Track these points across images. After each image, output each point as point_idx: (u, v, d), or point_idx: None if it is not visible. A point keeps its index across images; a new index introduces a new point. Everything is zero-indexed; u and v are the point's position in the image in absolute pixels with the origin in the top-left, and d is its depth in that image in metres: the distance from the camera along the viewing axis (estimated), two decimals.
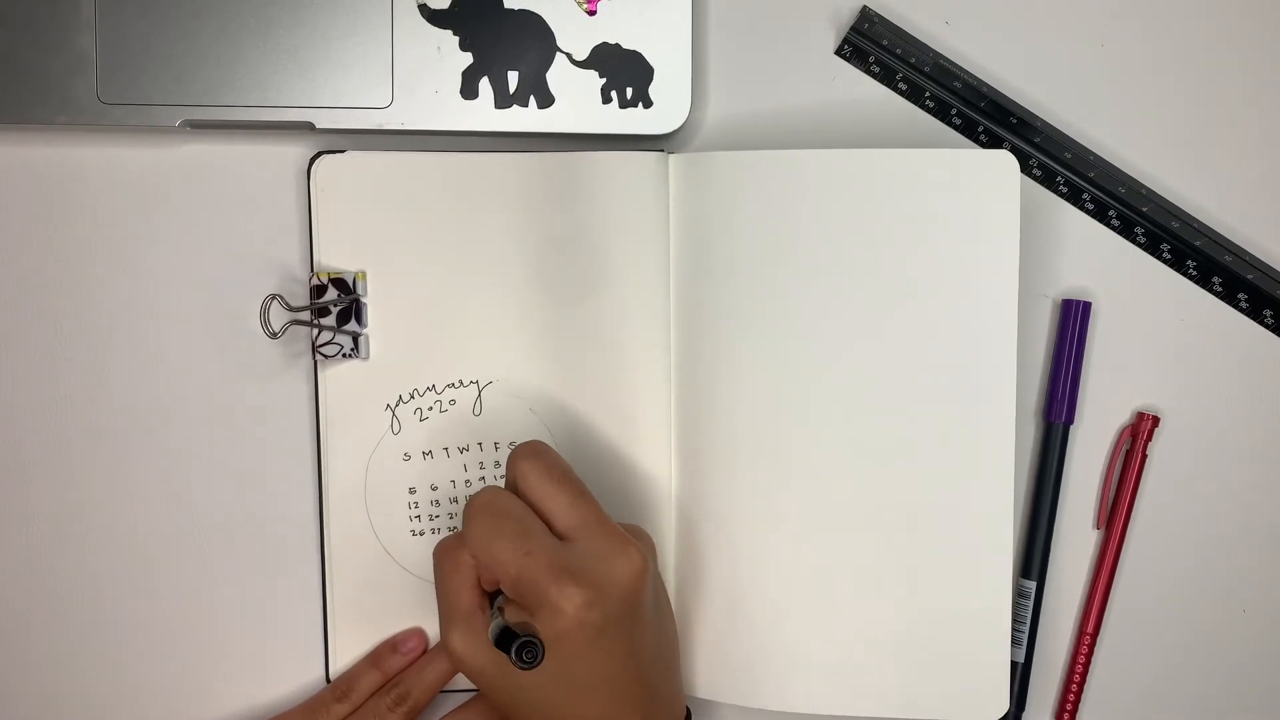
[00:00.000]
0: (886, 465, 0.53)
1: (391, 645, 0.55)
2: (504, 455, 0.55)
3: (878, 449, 0.53)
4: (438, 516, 0.55)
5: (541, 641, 0.44)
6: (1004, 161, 0.53)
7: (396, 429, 0.54)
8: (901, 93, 0.57)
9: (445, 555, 0.49)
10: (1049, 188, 0.57)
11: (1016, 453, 0.56)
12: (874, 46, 0.56)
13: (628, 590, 0.46)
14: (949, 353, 0.53)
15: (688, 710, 0.52)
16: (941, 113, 0.56)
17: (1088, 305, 0.56)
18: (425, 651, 0.55)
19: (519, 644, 0.44)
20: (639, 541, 0.48)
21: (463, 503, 0.55)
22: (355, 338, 0.54)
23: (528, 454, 0.48)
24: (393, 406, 0.54)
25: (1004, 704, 0.53)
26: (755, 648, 0.54)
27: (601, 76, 0.54)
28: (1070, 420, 0.56)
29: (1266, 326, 0.57)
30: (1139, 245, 0.57)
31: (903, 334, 0.53)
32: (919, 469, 0.53)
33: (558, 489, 0.48)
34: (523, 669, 0.44)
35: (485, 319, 0.54)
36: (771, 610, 0.54)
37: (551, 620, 0.45)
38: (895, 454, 0.53)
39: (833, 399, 0.53)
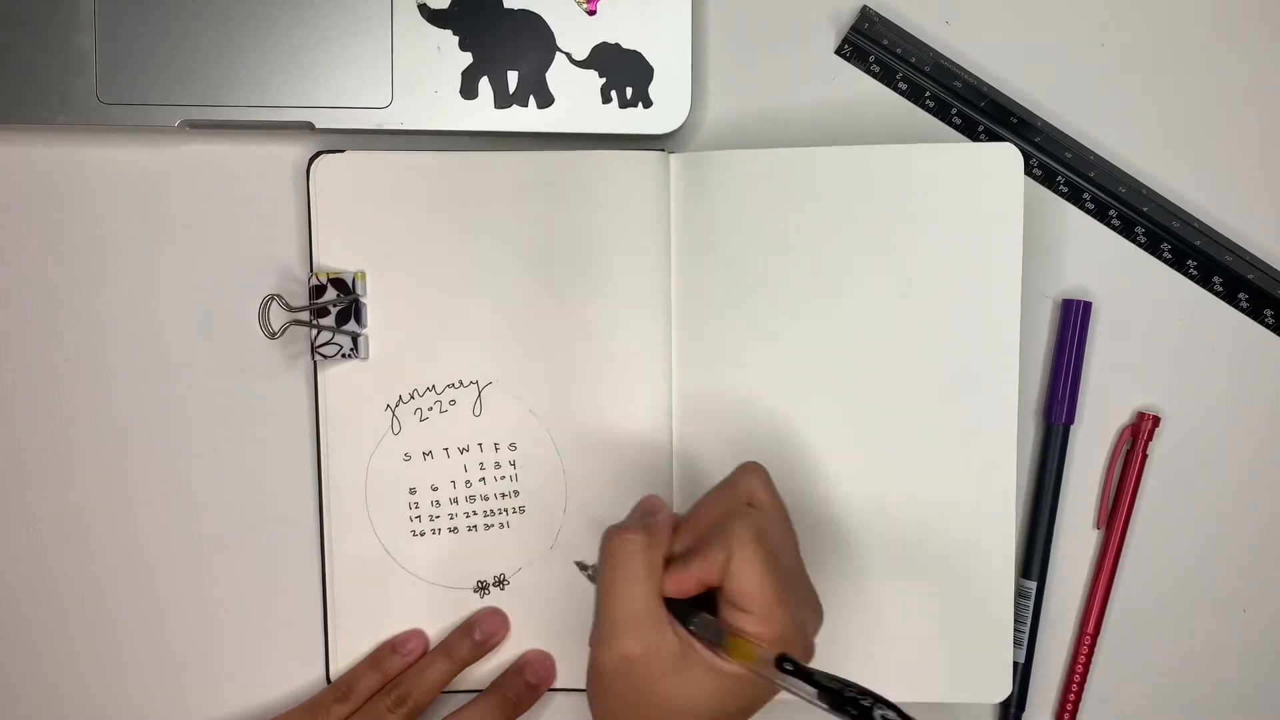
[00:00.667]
0: (890, 459, 0.54)
1: (392, 646, 0.55)
2: (504, 455, 0.54)
3: (881, 443, 0.54)
4: (438, 517, 0.55)
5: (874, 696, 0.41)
6: (1007, 154, 0.53)
7: (397, 429, 0.54)
8: (902, 92, 0.57)
9: (633, 556, 0.46)
10: (1049, 187, 0.57)
11: (1018, 454, 0.56)
12: (874, 46, 0.56)
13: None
14: (952, 347, 0.53)
15: None
16: (942, 112, 0.56)
17: (1088, 305, 0.56)
18: (425, 653, 0.55)
19: (883, 714, 0.40)
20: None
21: (463, 503, 0.55)
22: (354, 338, 0.54)
23: (766, 486, 0.47)
24: (393, 407, 0.54)
25: (1007, 686, 0.54)
26: None
27: (601, 76, 0.54)
28: (1070, 420, 0.56)
29: (1267, 326, 0.57)
30: (1139, 245, 0.57)
31: (906, 330, 0.53)
32: (922, 461, 0.53)
33: (787, 533, 0.47)
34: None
35: (485, 319, 0.54)
36: None
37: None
38: (899, 447, 0.54)
39: (836, 396, 0.54)
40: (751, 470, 0.48)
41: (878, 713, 0.40)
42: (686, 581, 0.45)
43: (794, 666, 0.42)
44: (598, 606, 0.45)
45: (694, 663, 0.44)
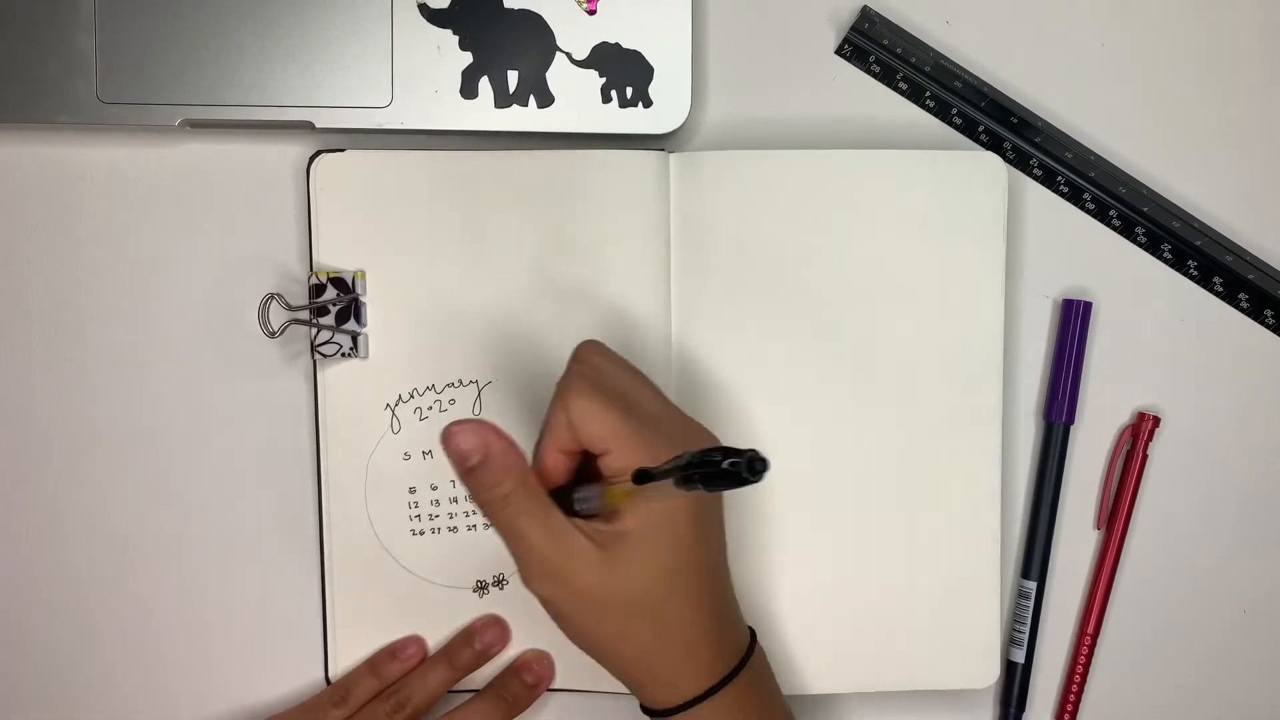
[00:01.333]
0: (882, 456, 0.54)
1: (390, 652, 0.54)
2: None
3: (873, 441, 0.54)
4: (438, 516, 0.55)
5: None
6: (990, 163, 0.54)
7: (396, 428, 0.54)
8: (902, 92, 0.57)
9: (506, 499, 0.44)
10: (1050, 188, 0.57)
11: (1017, 454, 0.57)
12: (874, 46, 0.56)
13: None
14: (941, 346, 0.54)
15: (752, 631, 0.50)
16: (942, 112, 0.56)
17: (1088, 305, 0.56)
18: (424, 659, 0.55)
19: (750, 457, 0.38)
20: None
21: (462, 503, 0.55)
22: (354, 337, 0.54)
23: (598, 349, 0.48)
24: (392, 406, 0.54)
25: (995, 672, 0.55)
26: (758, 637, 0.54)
27: (601, 76, 0.54)
28: (1070, 421, 0.56)
29: (1267, 326, 0.57)
30: (1139, 245, 0.57)
31: (899, 329, 0.54)
32: (912, 457, 0.54)
33: (635, 380, 0.47)
34: (753, 481, 0.38)
35: (485, 318, 0.54)
36: (771, 599, 0.55)
37: (667, 499, 0.44)
38: (890, 445, 0.54)
39: (831, 395, 0.54)
40: (580, 346, 0.47)
41: (726, 463, 0.38)
42: (550, 463, 0.45)
43: (648, 473, 0.41)
44: (512, 552, 0.45)
45: (619, 552, 0.44)
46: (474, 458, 0.44)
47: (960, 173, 0.54)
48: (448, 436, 0.44)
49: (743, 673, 0.47)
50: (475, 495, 0.45)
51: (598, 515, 0.45)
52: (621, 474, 0.43)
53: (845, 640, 0.55)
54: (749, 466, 0.37)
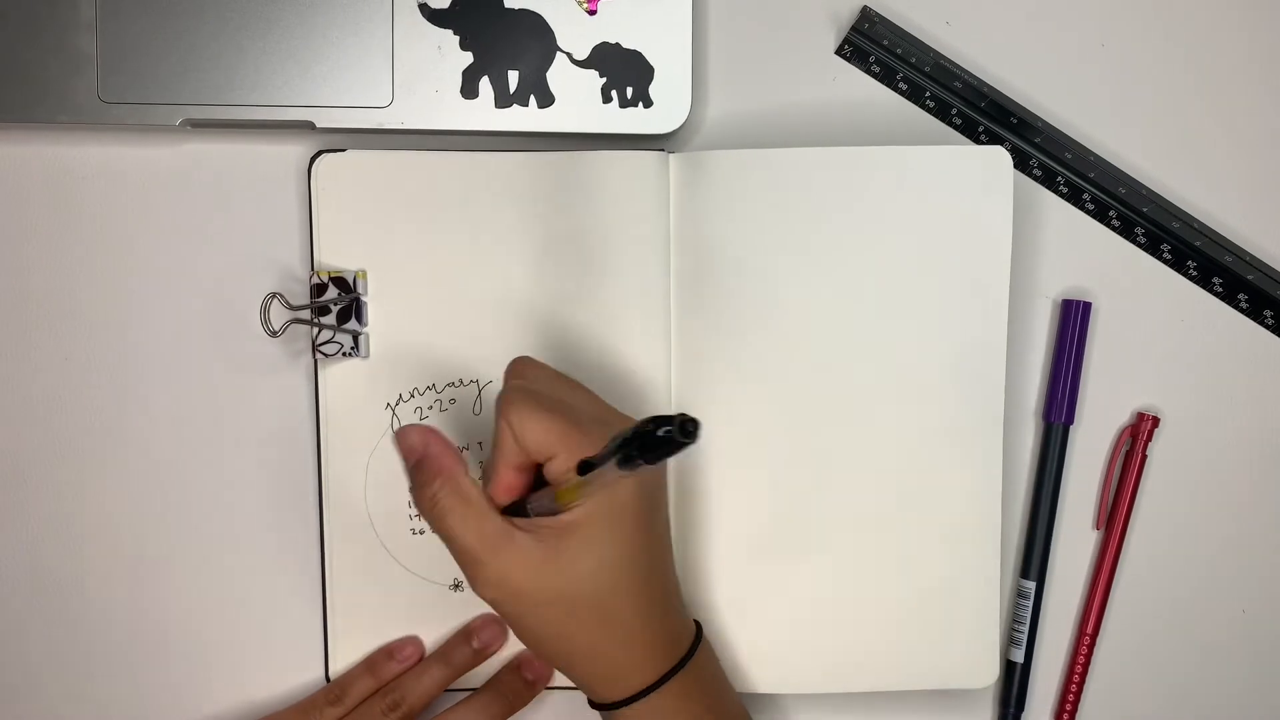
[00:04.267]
0: (882, 454, 0.54)
1: (387, 652, 0.55)
2: None
3: (874, 440, 0.54)
4: None
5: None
6: (997, 157, 0.53)
7: (397, 427, 0.54)
8: (902, 93, 0.57)
9: (443, 502, 0.46)
10: (1049, 188, 0.57)
11: (1017, 454, 0.57)
12: (874, 46, 0.56)
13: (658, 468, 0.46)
14: (944, 344, 0.54)
15: (698, 624, 0.51)
16: (942, 113, 0.57)
17: (1088, 306, 0.56)
18: (421, 659, 0.55)
19: (680, 420, 0.37)
20: None
21: None
22: (355, 336, 0.54)
23: (530, 363, 0.49)
24: (393, 405, 0.54)
25: (994, 671, 0.55)
26: (758, 637, 0.54)
27: (602, 76, 0.54)
28: (1070, 421, 0.56)
29: (1267, 327, 0.57)
30: (1139, 245, 0.57)
31: (900, 328, 0.54)
32: (913, 456, 0.54)
33: (571, 387, 0.48)
34: (689, 443, 0.38)
35: (485, 318, 0.54)
36: (772, 599, 0.54)
37: (613, 488, 0.44)
38: (891, 443, 0.54)
39: (831, 393, 0.54)
40: (513, 362, 0.48)
41: (660, 430, 0.38)
42: (503, 479, 0.46)
43: (590, 463, 0.42)
44: (453, 557, 0.46)
45: (559, 546, 0.45)
46: (412, 457, 0.46)
47: (966, 167, 0.53)
48: (397, 436, 0.47)
49: (689, 664, 0.48)
50: (414, 497, 0.46)
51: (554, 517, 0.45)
52: (569, 475, 0.44)
53: (845, 640, 0.55)
54: (681, 429, 0.37)
